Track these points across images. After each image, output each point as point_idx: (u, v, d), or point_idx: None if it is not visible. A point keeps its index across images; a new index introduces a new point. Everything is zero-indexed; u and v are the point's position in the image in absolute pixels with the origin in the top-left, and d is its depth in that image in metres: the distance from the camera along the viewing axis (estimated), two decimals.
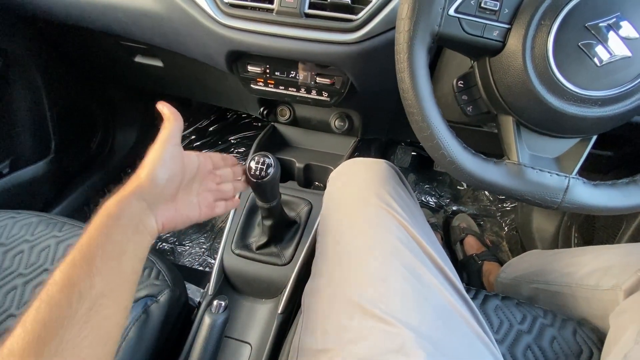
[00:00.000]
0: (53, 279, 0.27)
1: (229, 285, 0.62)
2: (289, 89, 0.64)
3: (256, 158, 0.49)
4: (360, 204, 0.43)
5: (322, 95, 0.63)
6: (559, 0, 0.32)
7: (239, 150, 1.31)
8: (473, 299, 0.51)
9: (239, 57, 0.62)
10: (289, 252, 0.60)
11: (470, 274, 0.95)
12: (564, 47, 0.32)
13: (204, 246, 1.09)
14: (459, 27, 0.34)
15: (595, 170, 0.81)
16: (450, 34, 0.35)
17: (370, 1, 0.51)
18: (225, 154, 0.49)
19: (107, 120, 1.21)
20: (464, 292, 0.41)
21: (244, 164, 0.50)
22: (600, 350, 0.46)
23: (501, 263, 0.94)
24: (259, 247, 0.61)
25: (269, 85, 0.64)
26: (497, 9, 0.34)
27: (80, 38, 0.87)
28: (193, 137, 1.35)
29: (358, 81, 0.60)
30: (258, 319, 0.57)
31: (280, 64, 0.61)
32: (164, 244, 1.11)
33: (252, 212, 0.66)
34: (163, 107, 0.40)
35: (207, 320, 0.49)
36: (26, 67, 0.89)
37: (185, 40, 0.64)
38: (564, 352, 0.46)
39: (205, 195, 0.42)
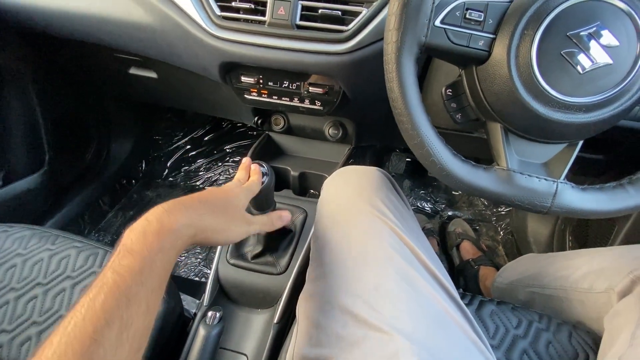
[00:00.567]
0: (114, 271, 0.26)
1: (224, 296, 0.62)
2: (283, 98, 0.65)
3: (251, 167, 0.49)
4: (353, 211, 0.43)
5: (315, 104, 0.64)
6: (541, 10, 0.33)
7: (234, 159, 1.32)
8: (468, 304, 0.51)
9: (232, 68, 0.62)
10: (284, 261, 0.60)
11: (467, 279, 0.95)
12: (547, 55, 0.33)
13: (199, 256, 1.08)
14: (445, 37, 0.35)
15: (588, 173, 0.82)
16: (437, 44, 0.35)
17: (360, 12, 0.52)
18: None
19: (102, 132, 1.21)
20: (458, 298, 0.41)
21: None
22: (596, 353, 0.46)
23: (497, 267, 0.94)
24: (254, 257, 0.60)
25: (263, 95, 0.65)
26: (481, 19, 0.35)
27: (74, 50, 0.88)
28: (188, 146, 1.35)
29: (350, 90, 0.60)
30: (254, 329, 0.57)
31: (274, 74, 0.62)
32: None
33: None
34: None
35: (201, 331, 0.49)
36: (19, 79, 0.90)
37: (179, 52, 0.64)
38: (560, 356, 0.46)
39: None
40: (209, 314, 0.49)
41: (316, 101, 0.64)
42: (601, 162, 0.74)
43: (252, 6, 0.54)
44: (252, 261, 0.61)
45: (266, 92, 0.64)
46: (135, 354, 0.26)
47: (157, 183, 1.31)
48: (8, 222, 0.63)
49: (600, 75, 0.32)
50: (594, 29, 0.32)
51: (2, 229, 0.60)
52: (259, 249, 0.60)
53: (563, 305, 0.58)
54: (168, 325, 0.52)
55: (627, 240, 0.71)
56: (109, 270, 0.27)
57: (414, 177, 1.28)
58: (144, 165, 1.32)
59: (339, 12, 0.52)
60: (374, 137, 0.90)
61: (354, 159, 0.91)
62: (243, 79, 0.63)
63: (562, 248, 0.93)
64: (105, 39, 0.71)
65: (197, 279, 1.04)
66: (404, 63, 0.36)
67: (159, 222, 0.30)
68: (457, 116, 0.42)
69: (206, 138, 1.36)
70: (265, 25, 0.54)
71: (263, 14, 0.54)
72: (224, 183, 1.44)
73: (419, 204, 1.24)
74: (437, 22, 0.35)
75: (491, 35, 0.35)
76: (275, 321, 0.56)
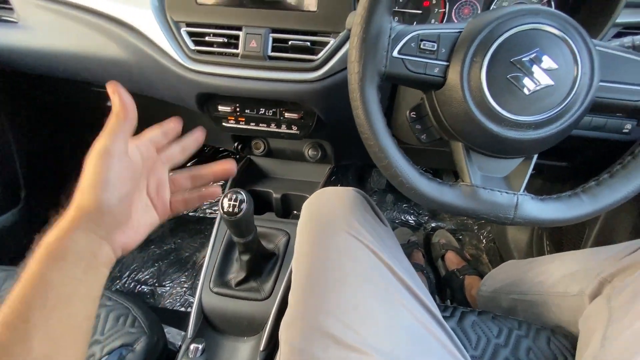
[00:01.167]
0: None
1: (209, 326, 0.61)
2: (260, 124, 0.67)
3: (229, 195, 0.50)
4: (329, 233, 0.44)
5: (292, 129, 0.66)
6: (485, 40, 0.36)
7: (218, 183, 1.31)
8: (450, 317, 0.52)
9: (209, 98, 0.64)
10: (268, 285, 0.60)
11: (453, 289, 0.96)
12: (496, 79, 0.36)
13: (185, 285, 1.06)
14: (404, 66, 0.38)
15: (556, 179, 0.86)
16: (396, 73, 0.38)
17: (328, 42, 0.55)
18: (163, 126, 0.39)
19: (82, 165, 1.19)
20: (437, 313, 0.42)
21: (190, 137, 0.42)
22: (573, 355, 0.48)
23: (482, 276, 0.96)
24: (238, 283, 0.60)
25: (240, 123, 0.67)
26: (435, 49, 0.38)
27: (50, 85, 0.88)
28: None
29: (324, 114, 0.63)
30: (240, 358, 0.56)
31: (250, 101, 0.64)
32: (142, 286, 1.07)
33: (229, 248, 0.66)
34: (114, 96, 0.31)
35: None
36: None
37: (156, 85, 0.66)
38: None
39: (160, 190, 0.35)
40: (192, 347, 0.49)
41: (293, 126, 0.66)
42: (567, 168, 0.78)
43: (225, 40, 0.57)
44: (236, 288, 0.60)
45: (243, 119, 0.66)
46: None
47: None
48: None
49: (545, 96, 0.35)
50: (534, 54, 0.35)
51: None
52: (242, 275, 0.60)
53: (542, 310, 0.59)
54: None
55: (597, 242, 0.74)
56: None
57: (396, 191, 1.31)
58: None
59: (308, 43, 0.55)
60: (353, 156, 0.92)
61: (336, 177, 0.93)
62: (220, 108, 0.65)
63: (541, 252, 0.96)
64: (81, 75, 0.72)
65: (183, 309, 1.01)
66: (367, 91, 0.38)
67: None
68: (422, 137, 0.44)
69: (188, 164, 1.35)
70: (239, 58, 0.57)
71: (236, 46, 0.57)
72: (208, 209, 1.41)
73: (402, 217, 1.26)
74: (395, 53, 0.38)
75: (445, 63, 0.38)
76: (261, 349, 0.56)
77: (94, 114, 0.98)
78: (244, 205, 0.49)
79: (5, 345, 0.22)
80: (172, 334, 0.72)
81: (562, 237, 0.88)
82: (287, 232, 0.68)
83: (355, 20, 0.37)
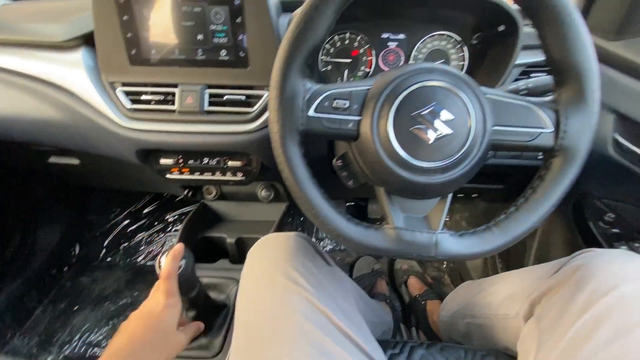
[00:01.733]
0: None
1: None
2: (204, 174, 0.67)
3: (167, 253, 0.50)
4: (267, 285, 0.44)
5: (237, 176, 0.67)
6: (389, 97, 0.39)
7: (177, 228, 1.28)
8: (399, 353, 0.53)
9: (150, 152, 0.64)
10: (218, 340, 0.58)
11: (417, 316, 0.97)
12: (401, 131, 0.39)
13: None
14: (320, 124, 0.41)
15: (494, 200, 0.92)
16: (314, 130, 0.41)
17: (262, 95, 0.58)
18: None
19: (26, 220, 1.13)
20: (378, 356, 0.43)
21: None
22: None
23: (443, 299, 0.98)
24: None
25: (184, 174, 0.67)
26: (347, 106, 0.41)
27: None
28: (127, 221, 1.29)
29: (266, 160, 0.65)
30: None
31: (193, 152, 0.65)
32: (95, 349, 0.99)
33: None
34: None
35: None
36: None
37: (94, 143, 0.65)
38: None
39: None
40: None
41: (237, 173, 0.67)
42: (504, 190, 0.84)
43: (162, 97, 0.58)
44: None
45: (187, 170, 0.67)
46: None
47: (93, 266, 1.22)
48: None
49: (446, 143, 0.39)
50: (432, 108, 0.39)
51: None
52: None
53: (492, 334, 0.61)
54: None
55: (537, 258, 0.79)
56: None
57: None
58: (77, 249, 1.24)
59: (243, 97, 0.58)
60: None
61: (292, 214, 0.94)
62: (162, 161, 0.65)
63: (494, 271, 1.00)
64: (18, 137, 0.70)
65: None
66: (288, 148, 0.40)
67: None
68: (349, 182, 0.47)
69: (146, 210, 1.32)
70: (176, 113, 0.58)
71: (173, 103, 0.58)
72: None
73: None
74: (311, 112, 0.41)
75: (357, 117, 0.41)
76: None
77: (37, 168, 0.95)
78: (183, 262, 0.49)
79: None
80: None
81: (509, 255, 0.93)
82: (238, 281, 0.67)
83: (270, 84, 0.40)
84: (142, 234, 1.28)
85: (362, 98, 0.41)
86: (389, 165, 0.40)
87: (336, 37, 0.67)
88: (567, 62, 0.38)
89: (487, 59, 0.65)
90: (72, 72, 0.59)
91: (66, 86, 0.59)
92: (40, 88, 0.60)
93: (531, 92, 0.50)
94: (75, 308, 1.08)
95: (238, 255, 0.81)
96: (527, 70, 0.63)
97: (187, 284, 0.50)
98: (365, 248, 0.41)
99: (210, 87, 0.58)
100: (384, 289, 1.05)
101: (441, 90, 0.39)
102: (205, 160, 0.66)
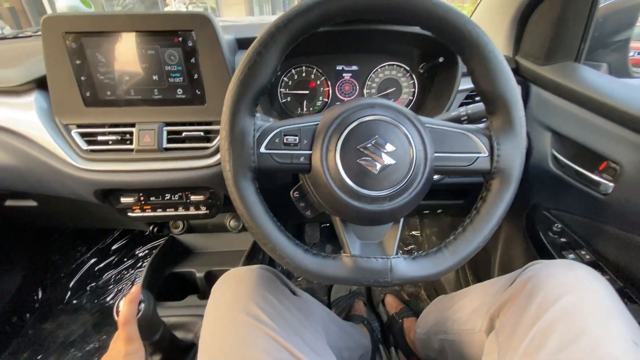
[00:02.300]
0: None
1: None
2: (167, 210, 0.66)
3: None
4: (229, 323, 0.44)
5: (201, 210, 0.67)
6: (336, 132, 0.42)
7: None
8: None
9: (109, 192, 0.63)
10: None
11: (395, 335, 0.97)
12: (349, 163, 0.41)
13: None
14: (272, 160, 0.42)
15: (460, 214, 0.96)
16: (266, 166, 0.42)
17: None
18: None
19: None
20: None
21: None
22: None
23: (419, 315, 0.99)
24: None
25: (147, 211, 0.66)
26: (297, 141, 0.43)
27: None
28: (94, 260, 1.24)
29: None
30: None
31: (154, 189, 0.64)
32: None
33: None
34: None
35: None
36: None
37: (50, 185, 0.64)
38: None
39: None
40: None
41: (201, 206, 0.67)
42: (464, 205, 0.88)
43: (119, 137, 0.58)
44: None
45: (149, 207, 0.66)
46: None
47: (58, 310, 1.15)
48: None
49: (391, 173, 0.41)
50: (375, 141, 0.41)
51: None
52: None
53: (462, 349, 0.61)
54: None
55: (500, 268, 0.82)
56: None
57: (333, 241, 1.34)
58: (40, 294, 1.17)
59: (202, 133, 0.58)
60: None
61: None
62: (123, 199, 0.64)
63: (467, 282, 1.02)
64: None
65: None
66: (242, 186, 0.41)
67: None
68: (307, 212, 0.48)
69: (114, 247, 1.27)
70: (134, 152, 0.58)
71: (131, 142, 0.58)
72: None
73: None
74: (262, 149, 0.42)
75: (308, 152, 0.43)
76: None
77: None
78: (142, 305, 0.48)
79: None
80: None
81: (477, 266, 0.96)
82: None
83: (221, 124, 0.41)
84: (110, 271, 1.23)
85: (312, 133, 0.43)
86: (340, 196, 0.41)
87: (293, 71, 0.70)
88: (495, 92, 0.42)
89: (435, 86, 0.69)
90: (25, 115, 0.58)
91: (19, 130, 0.58)
92: None
93: (470, 118, 0.54)
94: (39, 358, 1.01)
95: (208, 289, 0.79)
96: (471, 94, 0.67)
97: (148, 328, 0.49)
98: (323, 278, 0.42)
99: (168, 124, 0.59)
100: (361, 311, 1.05)
101: (383, 124, 0.42)
102: (167, 196, 0.65)
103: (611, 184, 0.51)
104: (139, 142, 0.57)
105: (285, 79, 0.70)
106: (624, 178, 0.50)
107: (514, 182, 0.43)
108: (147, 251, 1.27)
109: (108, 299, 1.17)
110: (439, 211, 0.91)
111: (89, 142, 0.58)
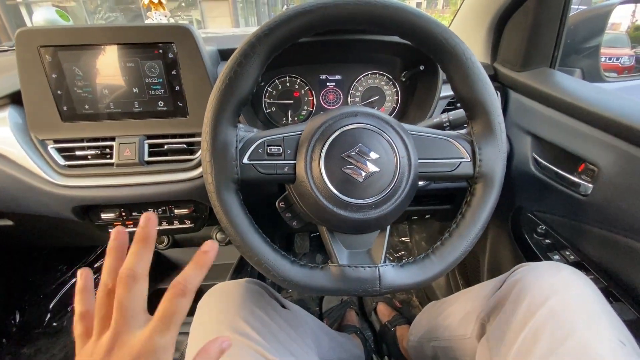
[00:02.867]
0: None
1: None
2: None
3: None
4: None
5: (185, 224, 0.65)
6: (319, 141, 0.41)
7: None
8: None
9: (88, 208, 0.61)
10: None
11: (387, 343, 0.96)
12: (333, 172, 0.41)
13: None
14: (255, 171, 0.41)
15: (448, 219, 0.97)
16: (250, 177, 0.41)
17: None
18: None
19: None
20: None
21: None
22: None
23: (412, 323, 0.98)
24: None
25: (129, 227, 0.64)
26: (281, 151, 0.42)
27: None
28: (74, 280, 1.19)
29: None
30: None
31: (135, 204, 0.63)
32: None
33: None
34: None
35: None
36: None
37: (26, 203, 0.61)
38: None
39: None
40: None
41: (185, 220, 0.65)
42: (452, 209, 0.88)
43: (99, 151, 0.56)
44: None
45: (131, 222, 0.64)
46: None
47: (37, 334, 1.09)
48: None
49: (376, 180, 0.41)
50: (358, 149, 0.41)
51: None
52: None
53: (455, 355, 0.61)
54: None
55: (489, 272, 0.83)
56: None
57: (323, 250, 1.33)
58: (17, 317, 1.11)
59: (184, 145, 0.57)
60: (266, 232, 0.93)
61: None
62: (103, 216, 0.62)
63: (457, 287, 1.03)
64: None
65: None
66: (224, 198, 0.40)
67: None
68: (293, 223, 0.47)
69: (97, 264, 1.23)
70: (114, 167, 0.56)
71: (111, 156, 0.57)
72: None
73: None
74: (245, 160, 0.41)
75: (292, 161, 0.42)
76: None
77: None
78: None
79: None
80: None
81: (466, 270, 0.97)
82: None
83: (202, 136, 0.40)
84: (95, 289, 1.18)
85: (295, 143, 0.43)
86: (326, 205, 0.41)
87: (277, 81, 0.70)
88: (474, 99, 0.43)
89: (417, 93, 0.70)
90: None
91: None
92: None
93: (452, 124, 0.54)
94: None
95: (194, 305, 0.77)
96: (453, 101, 0.69)
97: None
98: (311, 290, 0.41)
99: (149, 137, 0.57)
100: (353, 321, 1.03)
101: (366, 132, 0.42)
102: (150, 210, 0.63)
103: (590, 185, 0.53)
104: (120, 156, 0.56)
105: (269, 89, 0.70)
106: (602, 179, 0.51)
107: (497, 186, 0.44)
108: None
109: None
110: (427, 217, 0.92)
111: (67, 158, 0.56)
